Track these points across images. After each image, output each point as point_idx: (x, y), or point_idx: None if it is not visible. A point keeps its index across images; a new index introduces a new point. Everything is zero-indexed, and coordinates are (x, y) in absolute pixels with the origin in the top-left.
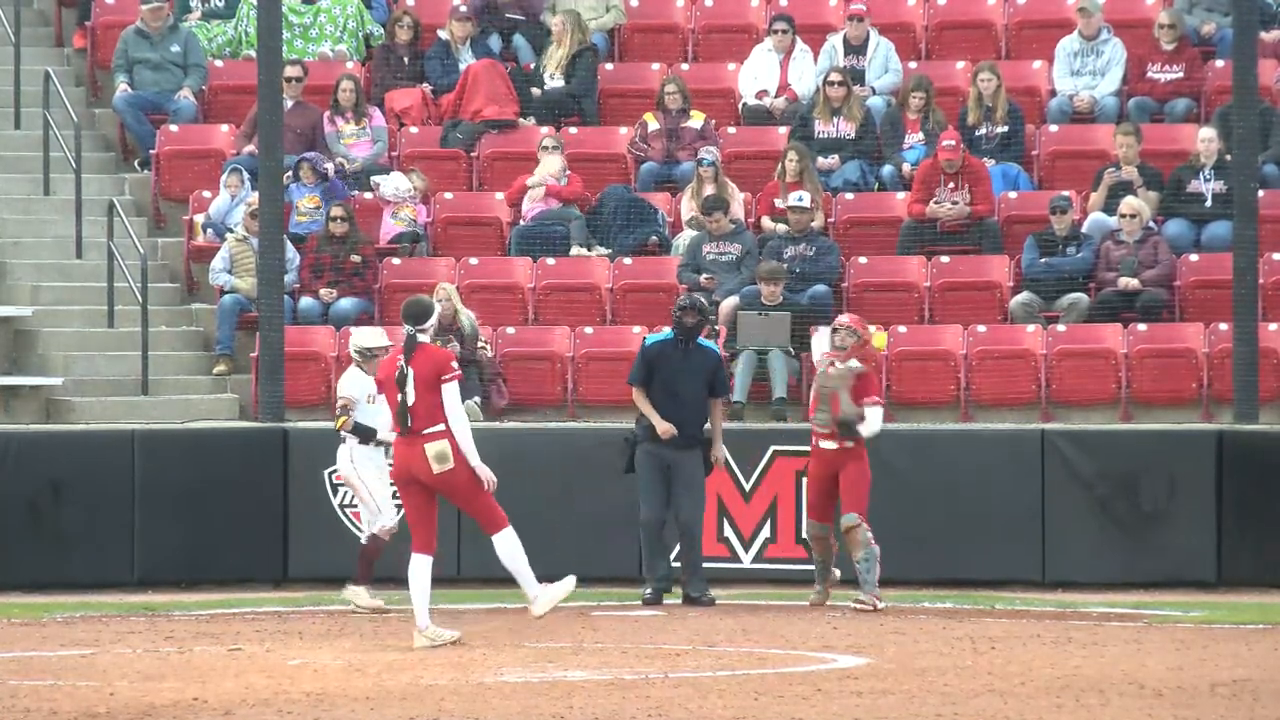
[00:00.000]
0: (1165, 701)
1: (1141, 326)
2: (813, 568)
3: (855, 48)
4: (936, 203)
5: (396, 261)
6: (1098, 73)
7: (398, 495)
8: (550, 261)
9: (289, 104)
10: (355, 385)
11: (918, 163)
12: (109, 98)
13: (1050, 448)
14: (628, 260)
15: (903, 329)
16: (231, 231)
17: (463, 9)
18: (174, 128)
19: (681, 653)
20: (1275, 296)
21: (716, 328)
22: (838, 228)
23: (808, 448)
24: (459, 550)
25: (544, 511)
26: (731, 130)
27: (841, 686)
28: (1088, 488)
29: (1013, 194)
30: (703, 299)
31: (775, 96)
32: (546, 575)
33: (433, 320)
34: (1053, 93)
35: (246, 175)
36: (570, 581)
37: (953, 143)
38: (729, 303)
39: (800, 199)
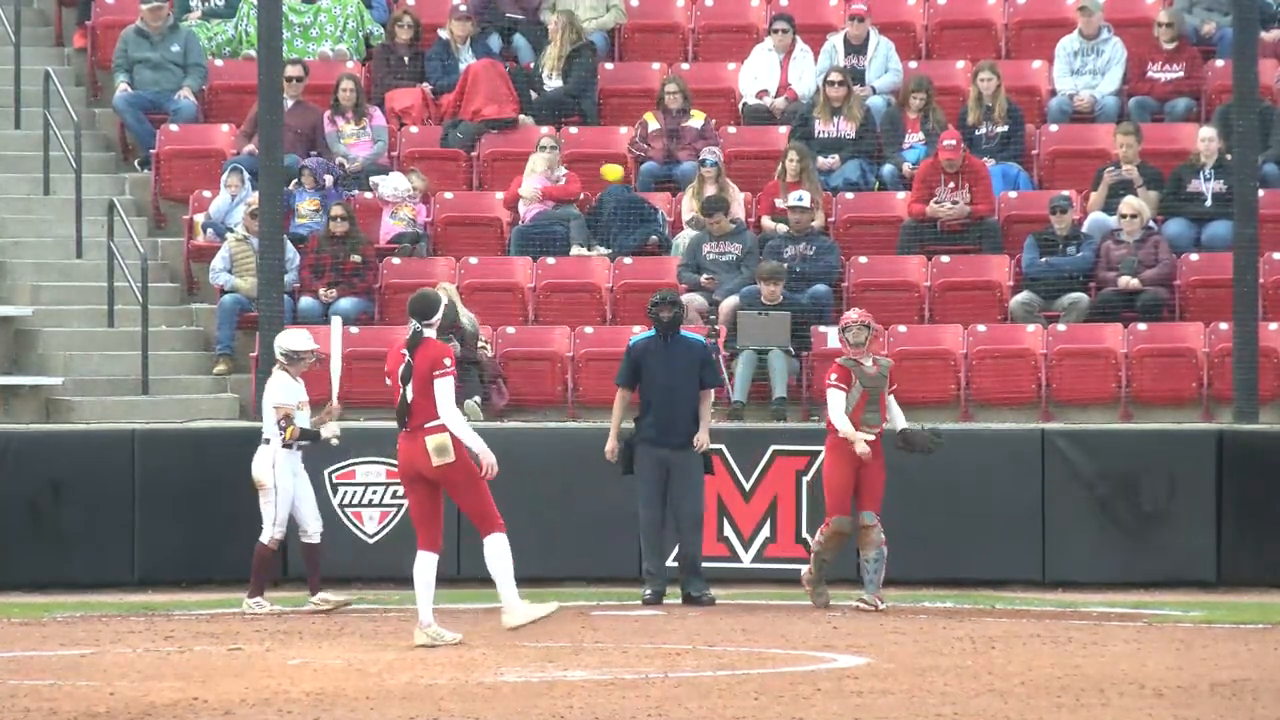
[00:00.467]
0: (1165, 701)
1: (1141, 326)
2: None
3: (855, 47)
4: (936, 202)
5: (396, 261)
6: (1098, 72)
7: (398, 499)
8: (550, 261)
9: (289, 104)
10: (287, 392)
11: (918, 162)
12: (109, 98)
13: (1050, 448)
14: (628, 260)
15: (903, 329)
16: (231, 231)
17: (463, 9)
18: (174, 127)
19: (681, 653)
20: (1275, 296)
21: (717, 328)
22: (838, 227)
23: (808, 447)
24: (459, 550)
25: (544, 511)
26: (731, 130)
27: (841, 686)
28: (1088, 488)
29: (1013, 194)
30: (674, 292)
31: (775, 96)
32: (546, 576)
33: (438, 316)
34: (1053, 92)
35: (246, 175)
36: (552, 606)
37: (953, 142)
38: (729, 303)
39: (800, 199)
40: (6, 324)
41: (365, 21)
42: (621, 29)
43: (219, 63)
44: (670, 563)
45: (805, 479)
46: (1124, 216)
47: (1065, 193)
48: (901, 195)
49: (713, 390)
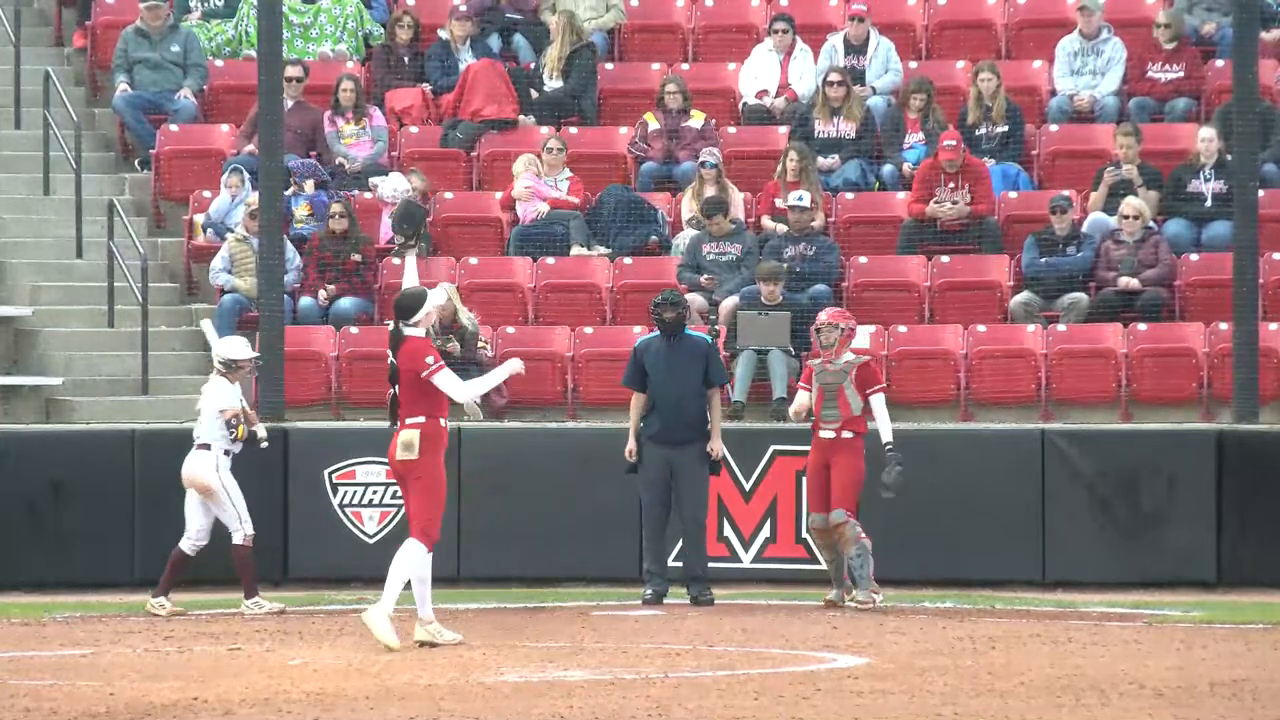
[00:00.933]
0: (1165, 701)
1: (1141, 326)
2: (820, 567)
3: (855, 47)
4: (936, 202)
5: (396, 261)
6: (1098, 72)
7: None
8: (550, 261)
9: (289, 104)
10: (229, 396)
11: (918, 163)
12: (109, 98)
13: (1050, 448)
14: (628, 260)
15: (903, 329)
16: (231, 231)
17: (462, 9)
18: (174, 128)
19: (681, 653)
20: (1275, 296)
21: (717, 327)
22: (838, 227)
23: (808, 447)
24: (459, 550)
25: (544, 511)
26: (731, 130)
27: (841, 686)
28: (1088, 488)
29: (1013, 194)
30: (677, 292)
31: (775, 96)
32: (546, 576)
33: (420, 314)
34: (1053, 92)
35: (246, 175)
36: (451, 638)
37: (953, 142)
38: (729, 303)
39: (800, 199)
40: (6, 324)
41: (365, 21)
42: (621, 29)
43: (219, 63)
44: (674, 562)
45: (805, 479)
46: (1124, 218)
47: (1065, 193)
48: (901, 195)
49: (720, 390)
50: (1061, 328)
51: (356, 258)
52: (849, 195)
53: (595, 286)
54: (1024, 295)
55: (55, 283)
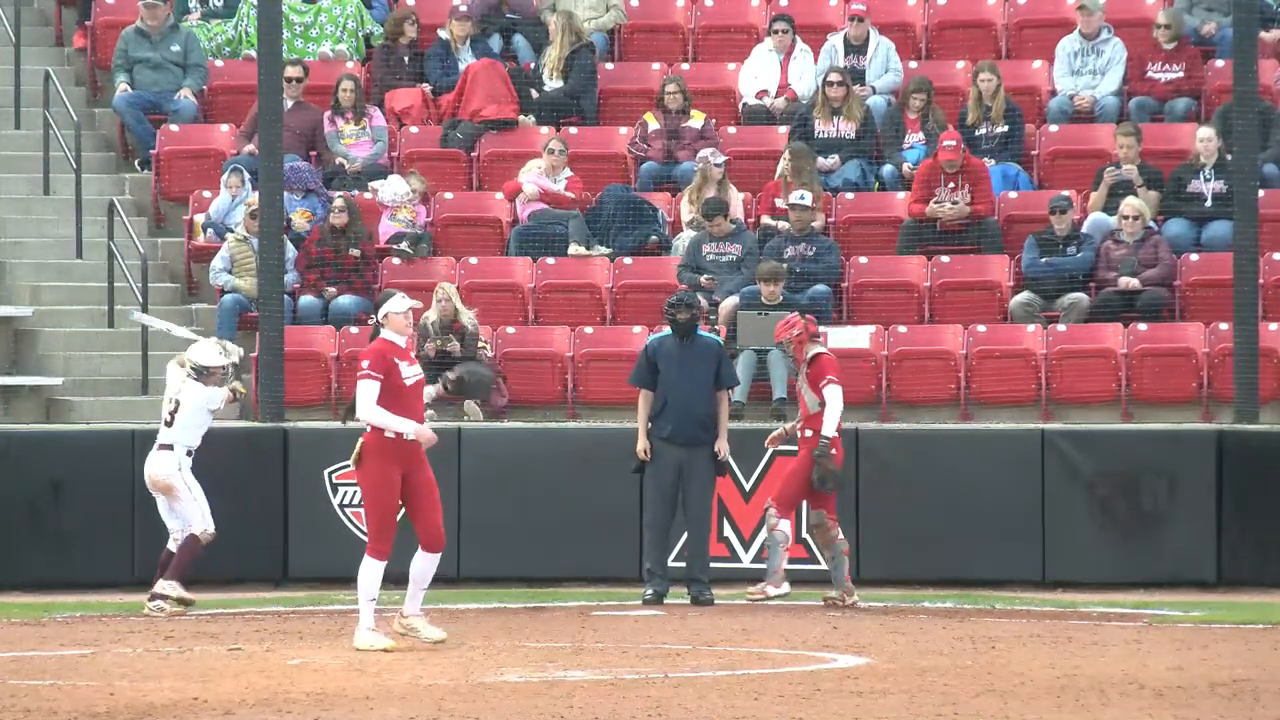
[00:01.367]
0: (1165, 701)
1: (1141, 326)
2: (821, 567)
3: (855, 47)
4: (936, 203)
5: (397, 261)
6: (1098, 72)
7: None
8: (550, 261)
9: (289, 104)
10: (215, 396)
11: (918, 163)
12: (109, 98)
13: (1050, 448)
14: (628, 260)
15: (903, 329)
16: (231, 231)
17: (462, 9)
18: (174, 128)
19: (681, 653)
20: (1275, 296)
21: (717, 327)
22: (838, 227)
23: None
24: (459, 550)
25: (544, 511)
26: (731, 130)
27: (841, 686)
28: (1088, 488)
29: (1013, 194)
30: (692, 294)
31: (775, 96)
32: (546, 576)
33: (384, 310)
34: (1053, 92)
35: (247, 175)
36: (430, 636)
37: (954, 143)
38: (729, 303)
39: (801, 197)
40: (6, 324)
41: (365, 21)
42: (621, 29)
43: (219, 63)
44: (675, 562)
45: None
46: (1124, 217)
47: (1065, 193)
48: (901, 195)
49: (730, 392)
50: (1061, 328)
51: (355, 253)
52: (849, 195)
53: (595, 286)
54: (1024, 295)
55: (55, 283)
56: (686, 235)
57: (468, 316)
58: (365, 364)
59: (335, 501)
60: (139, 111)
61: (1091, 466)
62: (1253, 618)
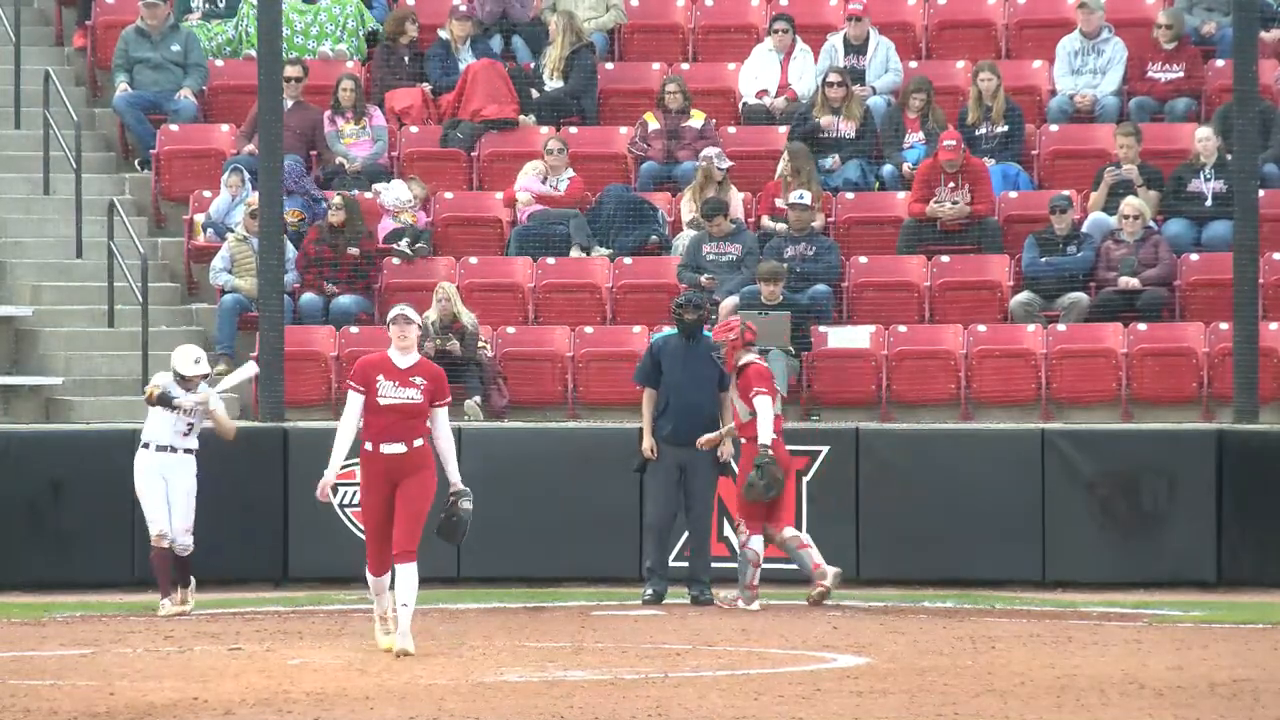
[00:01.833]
0: (1165, 701)
1: (1141, 326)
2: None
3: (855, 47)
4: (936, 202)
5: (397, 261)
6: (1098, 71)
7: None
8: (550, 261)
9: (289, 104)
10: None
11: (918, 162)
12: (109, 98)
13: (1050, 448)
14: (628, 260)
15: (903, 329)
16: (232, 231)
17: (463, 9)
18: (174, 128)
19: (681, 653)
20: (1275, 296)
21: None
22: (838, 227)
23: (808, 447)
24: (459, 550)
25: (544, 511)
26: (731, 130)
27: (841, 686)
28: (1088, 488)
29: (1013, 194)
30: (700, 294)
31: (775, 96)
32: (546, 576)
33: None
34: (1053, 92)
35: (246, 175)
36: (395, 645)
37: (954, 142)
38: (729, 303)
39: (801, 197)
40: (6, 324)
41: (365, 21)
42: (621, 29)
43: (219, 63)
44: (678, 562)
45: (805, 479)
46: (1124, 217)
47: (1065, 193)
48: (901, 195)
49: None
50: (1061, 328)
51: (354, 251)
52: (849, 195)
53: (595, 286)
54: (1024, 295)
55: (55, 283)
56: (686, 235)
57: (468, 316)
58: (350, 378)
59: (335, 501)
60: (139, 111)
61: (1091, 466)
62: (1253, 618)
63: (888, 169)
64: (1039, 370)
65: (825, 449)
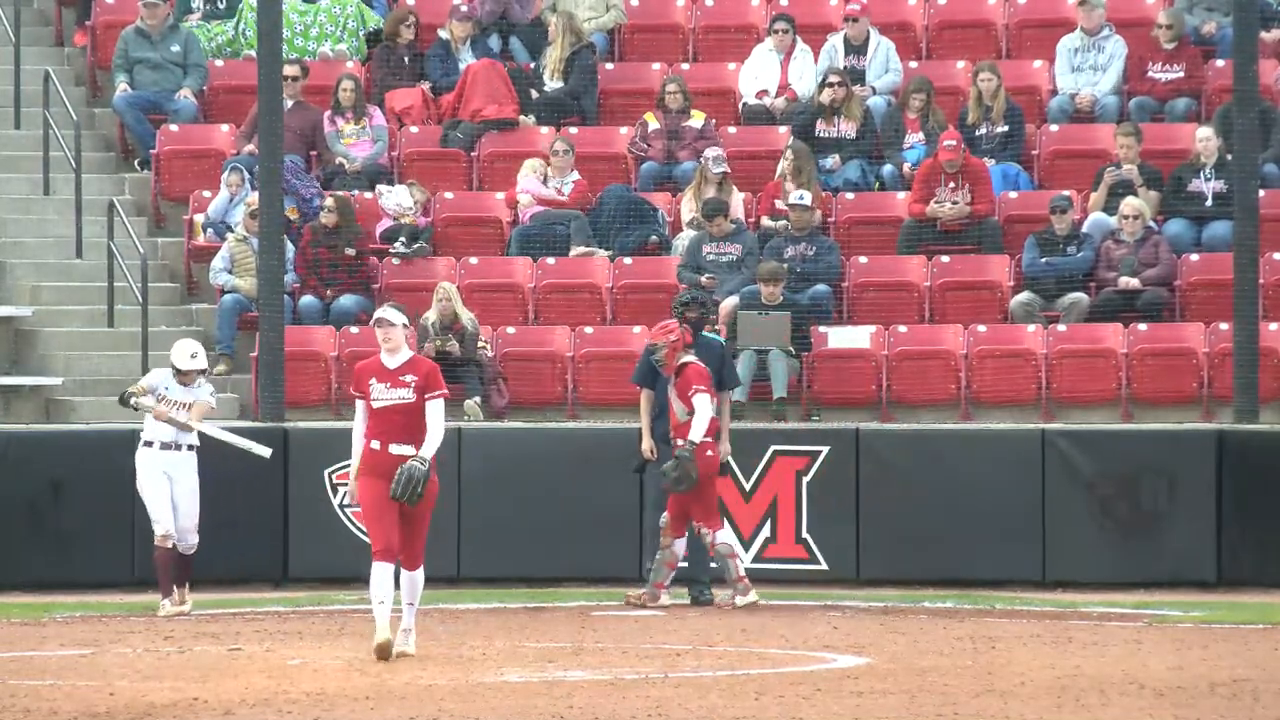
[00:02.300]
0: (1165, 701)
1: (1142, 326)
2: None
3: (855, 48)
4: (937, 202)
5: (396, 261)
6: (1099, 69)
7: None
8: (550, 261)
9: (289, 104)
10: (172, 391)
11: (918, 163)
12: (109, 98)
13: (1050, 448)
14: (628, 260)
15: (903, 329)
16: (232, 231)
17: (463, 9)
18: (174, 128)
19: (681, 653)
20: (1275, 296)
21: (717, 327)
22: (838, 227)
23: (808, 447)
24: (459, 550)
25: (544, 511)
26: (731, 130)
27: (841, 686)
28: (1088, 488)
29: (1013, 194)
30: (703, 292)
31: (775, 96)
32: (546, 576)
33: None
34: (1053, 92)
35: (246, 175)
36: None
37: (954, 142)
38: (729, 303)
39: (801, 197)
40: (6, 324)
41: (366, 21)
42: (621, 29)
43: (219, 63)
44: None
45: (805, 479)
46: (1124, 217)
47: (1065, 193)
48: (901, 195)
49: (730, 393)
50: (1062, 328)
51: (350, 252)
52: (849, 195)
53: (595, 286)
54: (1024, 295)
55: (55, 283)
56: (686, 235)
57: (468, 317)
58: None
59: (335, 501)
60: (139, 111)
61: (1091, 466)
62: (1253, 618)
63: (888, 169)
64: (1039, 370)
65: (825, 449)
